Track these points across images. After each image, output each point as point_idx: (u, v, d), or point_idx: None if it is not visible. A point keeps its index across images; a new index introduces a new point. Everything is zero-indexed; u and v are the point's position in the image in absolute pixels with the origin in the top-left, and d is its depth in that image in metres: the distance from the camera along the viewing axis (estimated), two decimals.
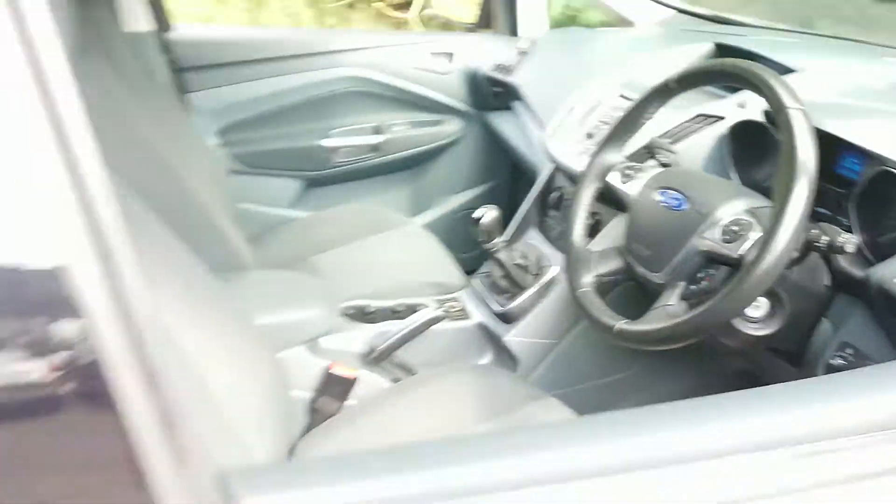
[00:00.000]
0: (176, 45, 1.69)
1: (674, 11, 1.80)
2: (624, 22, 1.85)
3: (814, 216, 0.84)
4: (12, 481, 0.36)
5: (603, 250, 1.01)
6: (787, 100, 0.78)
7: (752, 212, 0.85)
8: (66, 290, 0.34)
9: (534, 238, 1.40)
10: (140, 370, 0.35)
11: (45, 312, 0.35)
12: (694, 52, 1.37)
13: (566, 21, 2.26)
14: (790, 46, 1.39)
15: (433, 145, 1.92)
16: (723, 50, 1.34)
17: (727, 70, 0.89)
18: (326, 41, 1.87)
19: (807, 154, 0.75)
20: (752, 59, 1.27)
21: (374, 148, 1.88)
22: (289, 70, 1.80)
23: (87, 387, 0.35)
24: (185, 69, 1.71)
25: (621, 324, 0.88)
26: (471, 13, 2.01)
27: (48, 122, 0.33)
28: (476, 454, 0.52)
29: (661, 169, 1.02)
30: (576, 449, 0.52)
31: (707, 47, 1.37)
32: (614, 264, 0.99)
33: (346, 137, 1.86)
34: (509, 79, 1.72)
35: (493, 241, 1.25)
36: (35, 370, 0.35)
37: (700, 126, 1.10)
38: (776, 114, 0.79)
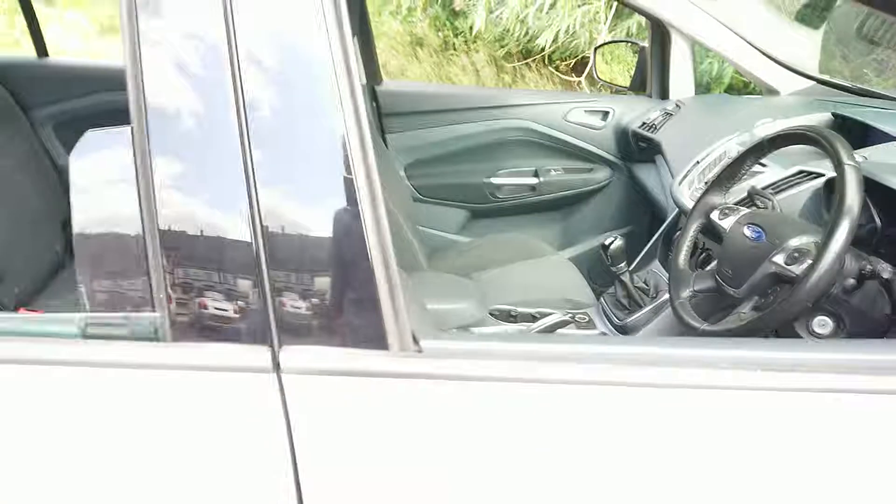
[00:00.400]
0: (380, 95, 2.14)
1: (813, 82, 1.98)
2: (770, 91, 2.05)
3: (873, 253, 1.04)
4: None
5: (699, 272, 1.25)
6: (844, 157, 1.00)
7: (815, 243, 1.07)
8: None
9: (656, 268, 1.65)
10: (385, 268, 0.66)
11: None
12: (813, 118, 1.57)
13: (727, 88, 2.48)
14: None
15: (583, 189, 2.21)
16: (838, 118, 1.54)
17: (804, 133, 1.12)
18: (501, 97, 2.25)
19: (853, 200, 0.97)
20: (860, 127, 1.47)
21: (532, 188, 2.20)
22: (467, 119, 2.18)
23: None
24: (386, 114, 2.15)
25: (705, 326, 1.12)
26: (629, 79, 2.31)
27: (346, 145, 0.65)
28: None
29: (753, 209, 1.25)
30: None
31: (826, 116, 1.57)
32: (707, 283, 1.22)
33: (509, 178, 2.20)
34: (654, 135, 1.98)
35: (619, 266, 1.52)
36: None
37: (800, 180, 1.31)
38: (835, 168, 1.01)
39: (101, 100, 2.01)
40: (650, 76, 2.14)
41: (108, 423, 0.66)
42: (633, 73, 2.26)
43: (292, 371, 0.64)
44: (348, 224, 0.64)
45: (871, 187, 1.10)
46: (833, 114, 1.56)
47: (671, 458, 0.67)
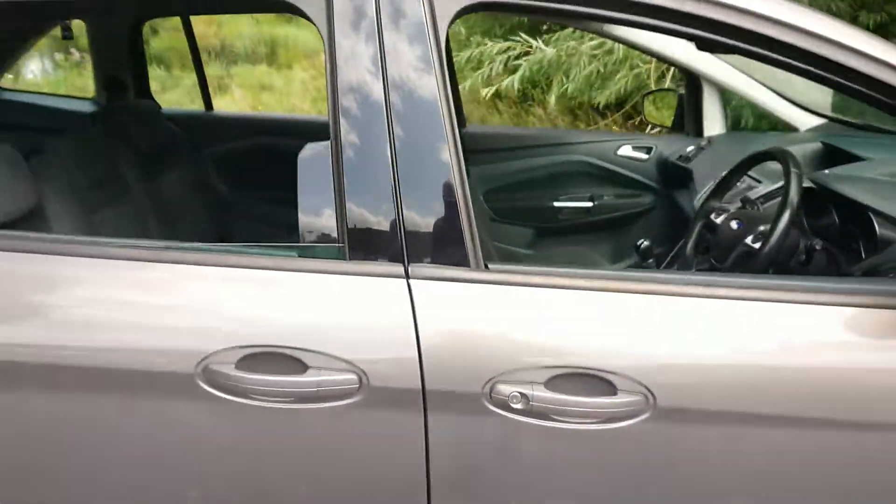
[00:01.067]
0: (465, 136, 2.66)
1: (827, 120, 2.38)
2: (789, 128, 2.45)
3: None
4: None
5: (700, 257, 1.68)
6: (791, 168, 1.43)
7: None
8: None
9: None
10: (469, 226, 1.14)
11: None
12: (808, 147, 1.98)
13: (751, 126, 2.89)
14: (880, 146, 1.93)
15: (631, 212, 2.65)
16: (827, 146, 1.94)
17: (768, 152, 1.55)
18: (563, 136, 2.73)
19: (793, 196, 1.39)
20: (837, 152, 1.87)
21: (588, 211, 2.66)
22: (534, 154, 2.67)
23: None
24: (469, 151, 2.66)
25: None
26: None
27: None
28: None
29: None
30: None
31: (817, 145, 1.97)
32: (704, 264, 1.65)
33: (570, 202, 2.67)
34: (688, 165, 2.40)
35: (648, 262, 1.95)
36: None
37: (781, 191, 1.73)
38: (784, 175, 1.44)
39: (252, 142, 2.62)
40: (687, 117, 2.58)
41: (314, 306, 1.15)
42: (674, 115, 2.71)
43: (416, 277, 1.11)
44: (450, 200, 1.12)
45: (832, 195, 1.52)
46: (822, 142, 1.96)
47: (662, 333, 1.10)
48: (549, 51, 4.51)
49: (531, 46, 4.42)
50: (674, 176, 2.51)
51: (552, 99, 4.55)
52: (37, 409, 1.16)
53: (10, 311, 1.14)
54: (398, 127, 1.12)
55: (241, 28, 9.53)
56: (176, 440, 1.17)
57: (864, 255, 1.44)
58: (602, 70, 4.33)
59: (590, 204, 2.66)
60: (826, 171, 1.67)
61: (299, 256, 1.16)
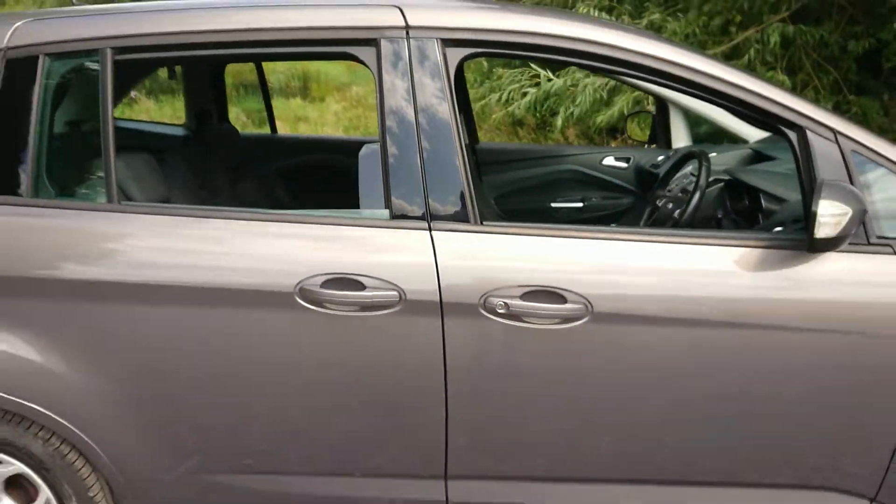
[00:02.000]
0: (478, 151, 3.28)
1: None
2: (741, 140, 3.03)
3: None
4: None
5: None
6: (703, 163, 2.02)
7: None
8: None
9: None
10: (471, 196, 1.75)
11: None
12: (741, 153, 2.56)
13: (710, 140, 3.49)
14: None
15: (615, 210, 3.24)
16: (753, 150, 2.52)
17: (691, 152, 2.14)
18: (558, 150, 3.34)
19: (702, 182, 1.98)
20: (760, 155, 2.46)
21: (580, 210, 3.25)
22: (535, 165, 3.28)
23: None
24: (482, 163, 3.28)
25: None
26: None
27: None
28: None
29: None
30: None
31: (748, 151, 2.56)
32: None
33: (565, 203, 3.26)
34: (658, 171, 2.99)
35: None
36: None
37: (714, 182, 2.32)
38: (698, 169, 2.03)
39: (308, 158, 3.27)
40: (658, 133, 3.18)
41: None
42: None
43: (436, 230, 1.71)
44: (457, 182, 1.72)
45: (743, 183, 2.10)
46: (751, 148, 2.55)
47: (599, 264, 1.69)
48: (559, 81, 5.17)
49: (539, 76, 5.07)
50: (647, 180, 3.09)
51: (559, 122, 5.19)
52: (179, 327, 1.77)
53: (179, 252, 1.75)
54: (423, 135, 1.73)
55: (276, 65, 10.24)
56: (277, 337, 1.76)
57: (761, 223, 2.02)
58: (603, 96, 4.96)
59: (580, 204, 3.25)
60: (747, 167, 2.26)
61: (360, 217, 1.78)
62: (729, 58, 6.99)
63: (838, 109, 6.95)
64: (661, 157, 3.04)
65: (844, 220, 1.51)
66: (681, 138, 3.11)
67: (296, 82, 10.33)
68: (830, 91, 7.02)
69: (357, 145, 2.18)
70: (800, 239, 1.65)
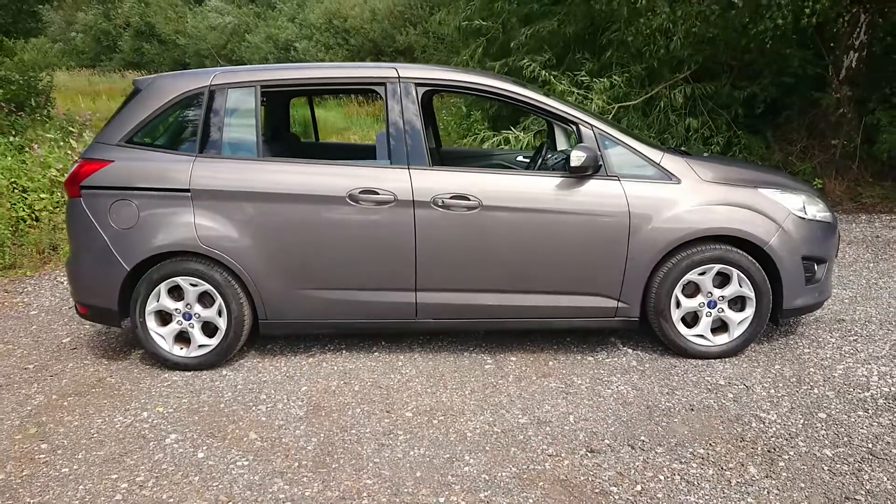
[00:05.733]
0: (442, 152, 5.32)
1: None
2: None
3: None
4: None
5: None
6: (545, 148, 4.07)
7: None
8: None
9: None
10: None
11: None
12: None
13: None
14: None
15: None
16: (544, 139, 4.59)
17: (543, 143, 4.19)
18: (493, 151, 5.41)
19: (543, 153, 4.03)
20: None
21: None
22: (477, 158, 5.33)
23: None
24: (443, 154, 5.33)
25: None
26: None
27: None
28: None
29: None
30: None
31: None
32: None
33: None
34: (538, 157, 5.04)
35: None
36: None
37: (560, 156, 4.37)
38: (543, 150, 4.07)
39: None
40: (549, 142, 5.25)
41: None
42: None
43: (413, 168, 3.74)
44: (422, 154, 3.76)
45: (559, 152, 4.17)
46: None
47: (488, 183, 3.73)
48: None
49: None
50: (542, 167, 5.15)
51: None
52: (291, 213, 3.77)
53: (292, 175, 3.79)
54: (406, 128, 3.78)
55: (294, 111, 12.42)
56: (337, 218, 3.76)
57: None
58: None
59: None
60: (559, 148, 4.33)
61: (376, 163, 3.82)
62: (646, 106, 9.13)
63: (729, 144, 9.08)
64: (549, 154, 5.10)
65: (582, 159, 3.57)
66: (562, 143, 5.16)
67: (296, 127, 12.39)
68: (725, 129, 9.18)
69: (369, 147, 4.26)
70: (570, 169, 3.70)
